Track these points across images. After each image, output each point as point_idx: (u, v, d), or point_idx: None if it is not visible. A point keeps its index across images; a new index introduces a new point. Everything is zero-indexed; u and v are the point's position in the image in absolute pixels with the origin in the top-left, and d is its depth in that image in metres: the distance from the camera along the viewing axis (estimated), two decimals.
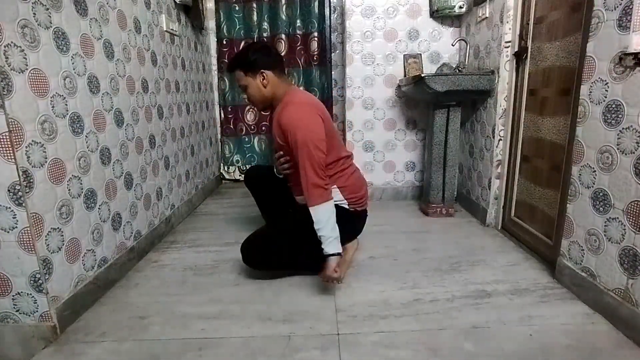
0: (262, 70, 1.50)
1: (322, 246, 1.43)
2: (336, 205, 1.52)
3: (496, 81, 2.08)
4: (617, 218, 1.25)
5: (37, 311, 1.25)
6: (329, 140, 1.49)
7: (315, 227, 1.42)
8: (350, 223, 1.68)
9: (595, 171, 1.34)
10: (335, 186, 1.59)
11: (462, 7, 2.42)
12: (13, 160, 1.12)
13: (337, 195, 1.59)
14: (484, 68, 2.24)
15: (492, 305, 1.42)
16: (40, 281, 1.22)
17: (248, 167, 3.48)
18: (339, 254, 1.44)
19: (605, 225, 1.31)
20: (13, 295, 1.23)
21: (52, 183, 1.28)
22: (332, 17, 3.23)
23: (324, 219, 1.42)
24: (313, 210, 1.41)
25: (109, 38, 1.65)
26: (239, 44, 3.20)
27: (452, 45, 2.54)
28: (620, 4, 1.20)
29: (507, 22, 1.98)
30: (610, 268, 1.29)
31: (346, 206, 1.62)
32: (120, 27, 1.75)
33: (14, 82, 1.13)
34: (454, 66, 2.57)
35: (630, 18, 1.15)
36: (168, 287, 1.59)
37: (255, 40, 3.18)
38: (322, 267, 1.46)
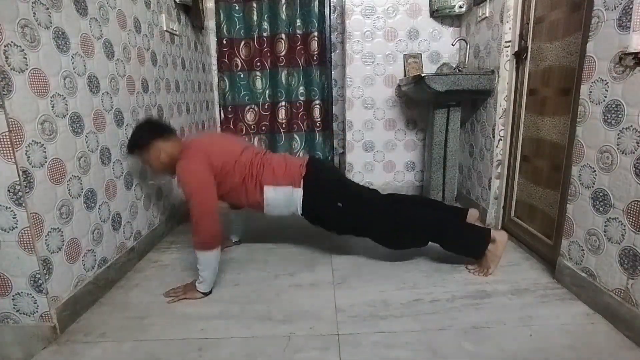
0: (151, 144, 1.61)
1: (197, 281, 1.51)
2: (308, 203, 1.63)
3: (496, 81, 2.08)
4: (617, 218, 1.25)
5: (37, 311, 1.25)
6: (224, 158, 1.60)
7: (198, 266, 1.49)
8: (347, 205, 1.66)
9: (595, 171, 1.34)
10: (268, 186, 1.63)
11: (462, 7, 2.42)
12: (13, 160, 1.12)
13: (278, 192, 1.63)
14: (484, 68, 2.23)
15: (492, 305, 1.42)
16: (40, 281, 1.22)
17: None
18: (206, 293, 1.53)
19: (605, 225, 1.31)
20: (13, 296, 1.23)
21: (52, 183, 1.28)
22: (332, 17, 3.23)
23: (207, 263, 1.48)
24: (200, 254, 1.47)
25: (109, 38, 1.65)
26: (239, 43, 3.19)
27: (452, 45, 2.54)
28: (620, 4, 1.20)
29: (507, 22, 1.98)
30: (610, 268, 1.29)
31: (301, 196, 1.63)
32: (120, 26, 1.75)
33: (14, 82, 1.13)
34: (454, 66, 2.57)
35: (630, 18, 1.15)
36: (168, 287, 1.59)
37: (255, 40, 3.18)
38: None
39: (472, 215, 1.82)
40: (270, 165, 1.66)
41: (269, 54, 3.22)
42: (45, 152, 1.25)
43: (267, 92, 3.32)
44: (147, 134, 1.62)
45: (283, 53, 3.17)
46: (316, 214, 1.70)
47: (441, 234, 1.66)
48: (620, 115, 1.22)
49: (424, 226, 1.67)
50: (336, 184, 1.73)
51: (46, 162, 1.25)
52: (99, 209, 1.55)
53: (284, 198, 1.65)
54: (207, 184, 1.53)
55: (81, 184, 1.44)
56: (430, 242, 1.70)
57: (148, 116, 1.82)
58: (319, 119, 3.32)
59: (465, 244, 1.67)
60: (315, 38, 3.14)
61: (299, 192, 1.64)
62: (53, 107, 1.29)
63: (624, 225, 1.22)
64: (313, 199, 1.65)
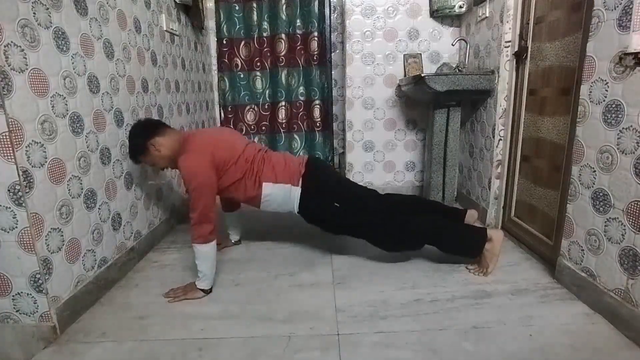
0: (148, 144, 1.59)
1: (197, 279, 1.51)
2: (305, 202, 1.66)
3: (496, 81, 2.08)
4: (617, 218, 1.25)
5: (37, 311, 1.25)
6: (228, 154, 1.60)
7: (197, 260, 1.50)
8: (341, 207, 1.68)
9: (595, 171, 1.34)
10: (267, 183, 1.64)
11: (462, 7, 2.42)
12: (13, 160, 1.12)
13: (277, 190, 1.64)
14: (484, 68, 2.23)
15: (492, 305, 1.42)
16: (40, 281, 1.22)
17: None
18: (206, 291, 1.53)
19: (605, 226, 1.31)
20: (13, 295, 1.23)
21: (52, 183, 1.28)
22: (332, 17, 3.23)
23: (205, 256, 1.49)
24: (198, 247, 1.48)
25: (109, 38, 1.65)
26: (239, 43, 3.19)
27: (452, 45, 2.54)
28: (620, 4, 1.20)
29: (507, 22, 1.98)
30: (610, 268, 1.29)
31: (299, 195, 1.65)
32: (120, 26, 1.75)
33: (14, 82, 1.13)
34: (454, 66, 2.57)
35: (630, 18, 1.15)
36: (168, 287, 1.59)
37: (255, 40, 3.18)
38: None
39: (471, 216, 1.83)
40: (271, 162, 1.67)
41: (269, 54, 3.22)
42: (45, 152, 1.25)
43: (267, 92, 3.32)
44: (141, 137, 1.61)
45: (283, 53, 3.17)
46: (313, 213, 1.71)
47: (437, 237, 1.67)
48: (620, 115, 1.22)
49: (419, 230, 1.67)
50: (334, 185, 1.74)
51: (46, 162, 1.25)
52: (99, 209, 1.55)
53: (282, 195, 1.66)
54: (209, 180, 1.53)
55: (81, 184, 1.44)
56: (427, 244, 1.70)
57: (136, 120, 1.79)
58: (319, 119, 3.32)
59: (461, 245, 1.68)
60: (315, 38, 3.14)
61: (297, 191, 1.65)
62: (53, 107, 1.29)
63: (624, 225, 1.22)
64: (310, 198, 1.66)
